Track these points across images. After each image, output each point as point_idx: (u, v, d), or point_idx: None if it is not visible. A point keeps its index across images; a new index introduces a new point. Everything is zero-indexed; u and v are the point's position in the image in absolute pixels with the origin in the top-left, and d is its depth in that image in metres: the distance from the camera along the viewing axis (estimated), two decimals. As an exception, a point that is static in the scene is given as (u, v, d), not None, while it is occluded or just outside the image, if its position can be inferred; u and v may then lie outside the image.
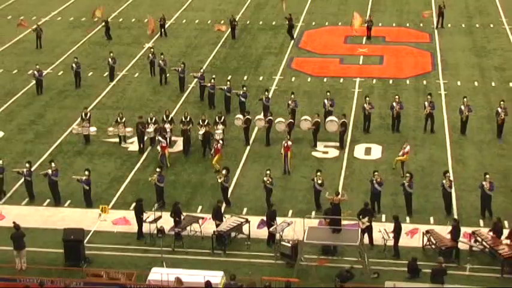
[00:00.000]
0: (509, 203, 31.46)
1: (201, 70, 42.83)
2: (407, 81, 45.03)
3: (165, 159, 35.18)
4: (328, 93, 39.53)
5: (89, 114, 38.21)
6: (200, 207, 32.07)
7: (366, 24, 51.59)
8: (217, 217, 29.63)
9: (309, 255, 28.12)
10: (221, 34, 52.74)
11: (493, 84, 44.25)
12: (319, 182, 31.54)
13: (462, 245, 28.49)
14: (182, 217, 29.96)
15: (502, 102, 37.65)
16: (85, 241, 29.00)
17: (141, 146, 36.88)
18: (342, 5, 60.14)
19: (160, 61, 44.63)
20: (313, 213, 30.97)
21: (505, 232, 28.56)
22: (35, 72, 44.07)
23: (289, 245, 28.03)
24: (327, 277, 26.76)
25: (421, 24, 54.45)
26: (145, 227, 29.95)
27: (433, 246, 28.68)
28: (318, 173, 31.80)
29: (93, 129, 37.97)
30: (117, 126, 37.41)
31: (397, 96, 38.90)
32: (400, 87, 43.90)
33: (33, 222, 31.29)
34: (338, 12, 58.20)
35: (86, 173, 32.44)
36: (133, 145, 37.48)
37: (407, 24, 54.85)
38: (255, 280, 24.62)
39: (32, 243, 29.48)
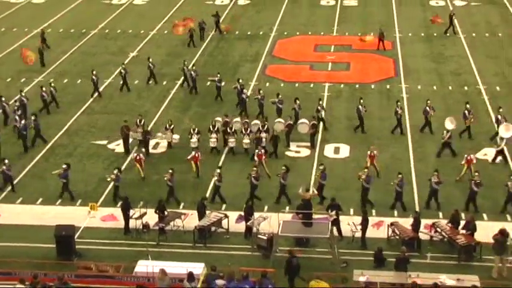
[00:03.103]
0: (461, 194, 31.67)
1: (240, 81, 42.09)
2: (372, 86, 45.15)
3: (141, 169, 34.40)
4: (361, 100, 39.01)
5: (143, 121, 37.45)
6: (182, 204, 31.94)
7: (378, 37, 51.43)
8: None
9: (283, 247, 28.06)
10: (199, 43, 52.83)
11: (450, 88, 44.50)
12: (254, 175, 31.69)
13: (423, 236, 28.69)
14: (166, 213, 29.89)
15: (467, 105, 37.68)
16: (76, 236, 28.82)
17: (127, 147, 36.69)
18: (311, 16, 60.21)
19: (192, 72, 44.15)
20: (287, 208, 30.96)
21: (462, 223, 28.77)
22: (93, 77, 43.72)
23: (265, 237, 28.03)
24: (301, 267, 26.75)
25: (384, 33, 54.52)
26: (132, 223, 29.85)
27: (397, 237, 28.81)
28: (254, 168, 31.99)
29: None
30: (166, 132, 36.89)
31: (429, 101, 38.67)
32: (366, 91, 44.02)
33: (28, 220, 31.13)
34: (308, 23, 58.23)
35: (6, 161, 32.95)
36: (119, 147, 37.32)
37: (372, 33, 54.89)
38: (234, 270, 24.54)
39: (26, 239, 29.40)
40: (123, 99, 43.59)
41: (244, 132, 36.41)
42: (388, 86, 44.94)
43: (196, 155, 34.42)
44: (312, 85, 45.01)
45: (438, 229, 28.89)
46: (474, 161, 33.31)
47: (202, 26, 54.16)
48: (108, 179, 32.50)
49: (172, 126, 37.02)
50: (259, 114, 39.64)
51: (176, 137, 36.99)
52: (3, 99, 41.07)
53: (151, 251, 27.72)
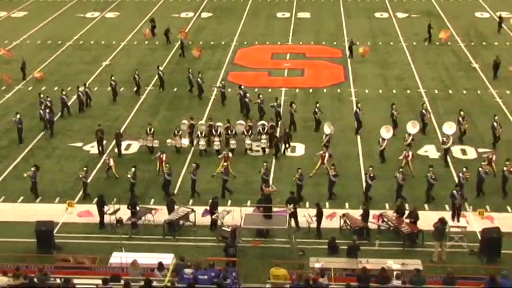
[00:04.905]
0: (408, 188, 31.98)
1: (242, 87, 41.69)
2: (324, 90, 45.37)
3: (112, 171, 33.92)
4: (359, 104, 39.04)
5: (152, 129, 36.57)
6: (153, 200, 31.80)
7: (349, 45, 51.39)
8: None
9: (246, 238, 28.14)
10: (167, 52, 52.59)
11: (394, 91, 44.90)
12: (167, 172, 31.82)
13: (372, 225, 28.94)
14: (138, 209, 29.71)
15: (461, 112, 37.36)
16: (55, 231, 28.60)
17: (101, 149, 36.37)
18: (269, 27, 60.38)
19: (198, 79, 43.72)
20: (249, 202, 30.97)
21: (406, 213, 29.06)
22: (112, 82, 43.54)
23: (229, 229, 28.01)
24: (261, 255, 26.83)
25: (335, 43, 54.99)
26: (106, 218, 29.64)
27: (348, 227, 29.01)
28: (167, 165, 32.10)
29: (156, 141, 36.32)
30: (174, 138, 36.22)
31: (424, 105, 38.72)
32: (319, 95, 44.22)
33: (10, 216, 30.77)
34: (266, 33, 58.36)
35: None
36: (93, 149, 36.97)
37: (323, 43, 55.34)
38: (201, 260, 24.48)
39: (9, 235, 29.11)
40: (97, 104, 43.08)
41: (246, 134, 36.21)
42: (338, 90, 45.19)
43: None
44: (270, 90, 45.03)
45: (385, 219, 29.17)
46: (410, 157, 33.55)
47: (167, 32, 54.83)
48: (25, 175, 32.24)
49: (180, 132, 36.45)
50: (260, 117, 39.43)
51: (185, 141, 36.49)
52: (41, 95, 41.00)
53: (124, 244, 27.61)
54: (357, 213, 29.48)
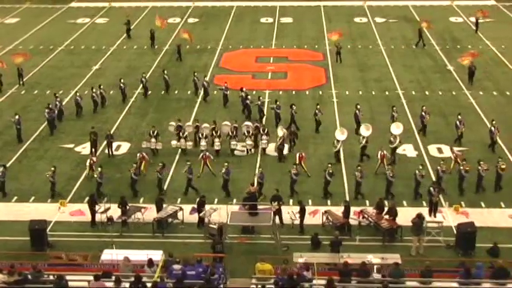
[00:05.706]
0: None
1: (244, 89, 41.45)
2: (307, 92, 45.47)
3: (92, 170, 33.51)
4: (358, 106, 39.01)
5: (156, 131, 36.21)
6: (142, 199, 31.75)
7: (336, 50, 51.26)
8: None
9: (232, 235, 28.18)
10: (155, 57, 52.49)
11: (373, 93, 45.08)
12: (133, 171, 31.80)
13: (352, 221, 29.03)
14: (128, 207, 29.67)
15: (459, 116, 37.00)
16: (48, 230, 28.50)
17: (93, 150, 36.21)
18: (252, 32, 60.45)
19: (204, 82, 43.64)
20: (235, 200, 31.00)
21: (386, 209, 29.19)
22: (121, 85, 43.41)
23: (216, 227, 28.03)
24: (247, 251, 26.87)
25: (316, 46, 55.14)
26: (98, 217, 29.58)
27: (330, 223, 29.11)
28: (134, 165, 32.12)
29: (159, 144, 35.90)
30: (180, 141, 36.07)
31: (424, 107, 38.66)
32: (301, 97, 44.33)
33: (4, 216, 30.65)
34: (250, 38, 58.41)
35: None
36: (85, 150, 36.82)
37: (305, 46, 55.45)
38: (189, 256, 24.47)
39: (3, 233, 28.99)
40: (87, 107, 42.84)
41: (246, 134, 36.19)
42: (320, 92, 45.30)
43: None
44: (254, 92, 44.94)
45: (365, 215, 29.31)
46: (384, 157, 33.68)
47: (153, 34, 54.90)
48: None
49: (185, 134, 36.26)
50: (260, 118, 39.37)
51: (189, 143, 36.28)
52: (56, 95, 40.99)
53: (115, 241, 27.46)
54: (338, 210, 29.59)
